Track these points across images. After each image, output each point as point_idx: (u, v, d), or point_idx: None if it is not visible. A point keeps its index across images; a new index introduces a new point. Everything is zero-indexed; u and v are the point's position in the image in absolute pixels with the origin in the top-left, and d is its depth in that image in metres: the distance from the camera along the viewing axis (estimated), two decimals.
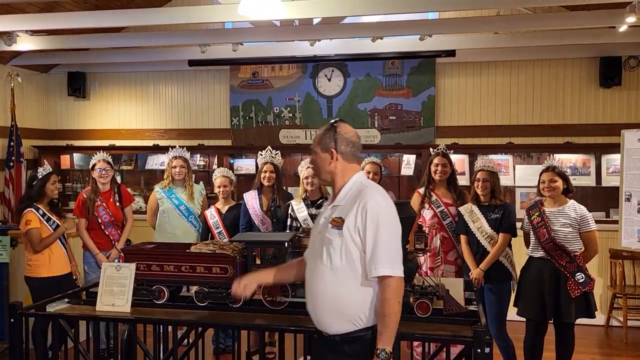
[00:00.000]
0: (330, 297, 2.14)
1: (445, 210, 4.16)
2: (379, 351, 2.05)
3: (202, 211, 4.73)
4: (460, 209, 4.10)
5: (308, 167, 4.31)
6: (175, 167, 4.63)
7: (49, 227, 4.16)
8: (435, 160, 4.20)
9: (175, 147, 4.77)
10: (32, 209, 4.14)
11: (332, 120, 2.30)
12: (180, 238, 4.54)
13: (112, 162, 4.65)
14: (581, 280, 3.73)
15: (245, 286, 2.48)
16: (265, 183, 4.40)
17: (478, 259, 4.00)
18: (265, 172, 4.39)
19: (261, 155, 4.49)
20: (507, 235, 3.96)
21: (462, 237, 4.09)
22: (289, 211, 4.32)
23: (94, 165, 4.53)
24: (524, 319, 3.98)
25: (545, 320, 3.89)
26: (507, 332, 4.04)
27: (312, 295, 2.22)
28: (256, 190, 4.47)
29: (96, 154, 4.61)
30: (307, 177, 4.29)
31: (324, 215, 2.27)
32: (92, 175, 4.56)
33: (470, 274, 4.00)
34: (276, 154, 4.49)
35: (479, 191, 4.04)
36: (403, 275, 2.11)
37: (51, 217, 4.20)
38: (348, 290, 2.11)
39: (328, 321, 2.16)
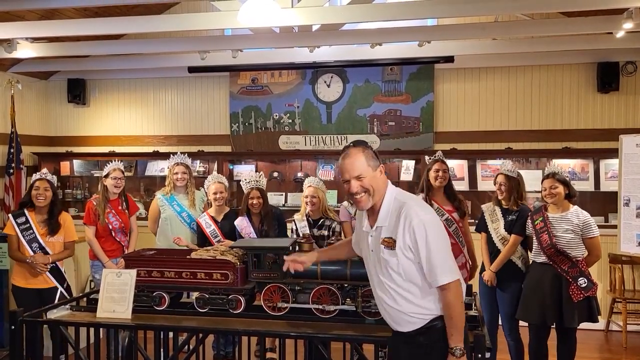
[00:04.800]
0: (396, 307, 2.25)
1: (450, 217, 4.06)
2: (454, 349, 2.16)
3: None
4: (483, 207, 4.24)
5: (310, 186, 4.31)
6: (177, 173, 4.60)
7: (22, 237, 4.03)
8: (435, 166, 4.11)
9: (176, 153, 4.74)
10: (11, 216, 4.11)
11: (350, 144, 2.28)
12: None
13: (124, 171, 4.63)
14: (584, 285, 3.74)
15: (301, 263, 2.58)
16: (254, 211, 4.30)
17: (492, 259, 4.12)
18: (253, 198, 4.27)
19: (245, 181, 4.39)
20: (517, 237, 4.02)
21: (482, 235, 4.20)
22: (292, 225, 4.34)
23: (107, 174, 4.49)
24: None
25: (547, 324, 3.90)
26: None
27: (380, 302, 2.34)
28: (245, 217, 4.33)
29: (112, 161, 4.58)
30: (307, 197, 4.28)
31: (371, 234, 2.31)
32: (103, 183, 4.51)
33: (482, 274, 4.14)
34: (260, 177, 4.41)
35: (498, 194, 4.14)
36: (460, 276, 2.19)
37: (33, 226, 4.05)
38: (411, 300, 2.21)
39: (398, 324, 2.29)
